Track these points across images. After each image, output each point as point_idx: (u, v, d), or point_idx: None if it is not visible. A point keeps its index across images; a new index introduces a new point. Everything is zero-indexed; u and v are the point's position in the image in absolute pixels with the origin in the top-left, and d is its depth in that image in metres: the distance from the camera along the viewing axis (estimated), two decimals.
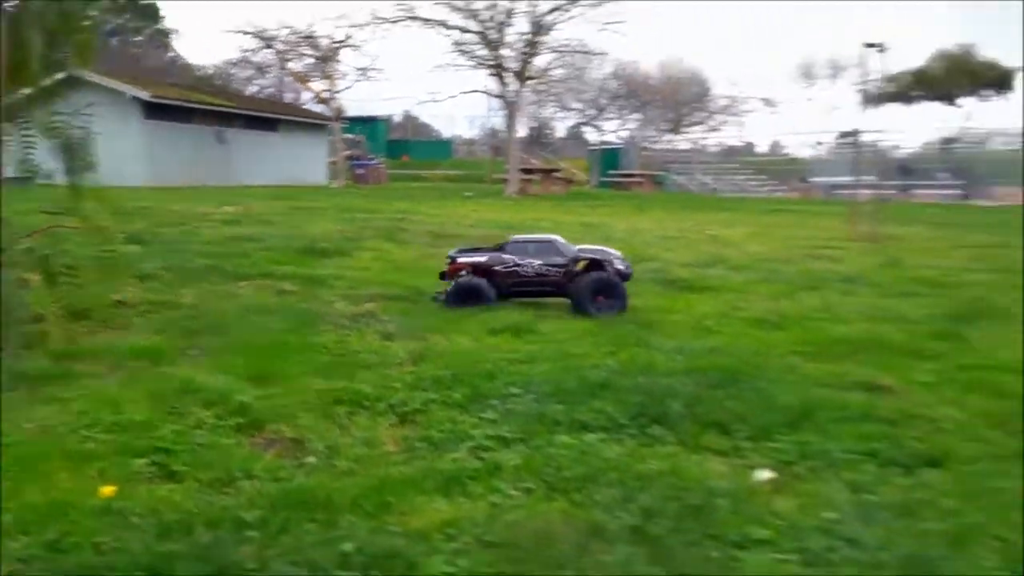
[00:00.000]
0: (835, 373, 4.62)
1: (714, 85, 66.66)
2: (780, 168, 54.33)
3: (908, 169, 45.08)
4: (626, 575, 2.36)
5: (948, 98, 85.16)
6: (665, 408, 3.83)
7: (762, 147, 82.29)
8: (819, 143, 65.14)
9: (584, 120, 66.04)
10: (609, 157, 45.33)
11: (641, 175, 41.17)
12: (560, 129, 68.59)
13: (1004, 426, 3.71)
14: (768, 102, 71.21)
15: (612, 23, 29.82)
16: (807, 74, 70.05)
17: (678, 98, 62.24)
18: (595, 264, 6.77)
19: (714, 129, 67.00)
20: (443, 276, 6.88)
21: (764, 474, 3.21)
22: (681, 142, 60.39)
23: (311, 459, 3.29)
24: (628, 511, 2.77)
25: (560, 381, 4.25)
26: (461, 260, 6.82)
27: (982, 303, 6.93)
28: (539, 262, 6.73)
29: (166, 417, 3.60)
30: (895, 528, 2.69)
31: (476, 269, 6.72)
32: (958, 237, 14.52)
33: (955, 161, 46.61)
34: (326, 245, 9.85)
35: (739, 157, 64.45)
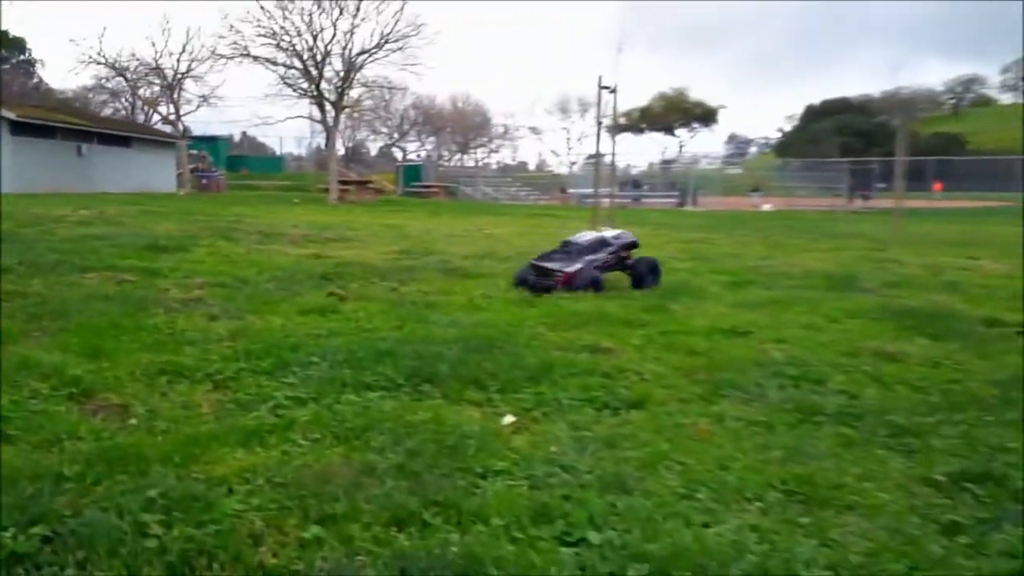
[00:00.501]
0: (570, 339, 4.79)
1: (494, 116, 69.30)
2: (545, 181, 57.37)
3: (638, 183, 47.91)
4: (388, 503, 2.37)
5: (668, 129, 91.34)
6: (435, 369, 3.86)
7: (531, 165, 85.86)
8: (573, 163, 68.24)
9: (391, 141, 67.99)
10: (412, 171, 47.29)
11: (437, 186, 42.92)
12: (372, 148, 70.19)
13: (690, 376, 3.98)
14: (534, 130, 74.33)
15: (411, 64, 32.07)
16: (563, 109, 73.17)
17: (465, 125, 64.66)
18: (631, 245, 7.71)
19: (494, 151, 69.65)
20: (553, 286, 6.79)
21: (508, 419, 3.30)
22: (469, 160, 62.57)
23: (133, 421, 3.11)
24: (396, 453, 2.78)
25: (352, 351, 4.20)
26: (568, 270, 6.95)
27: (683, 283, 7.43)
28: (605, 253, 7.32)
29: (5, 390, 3.33)
30: (602, 456, 2.82)
31: (584, 268, 7.01)
32: (672, 234, 15.49)
33: (672, 177, 49.84)
34: (167, 242, 9.55)
35: (513, 173, 67.49)
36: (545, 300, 6.31)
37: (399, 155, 65.11)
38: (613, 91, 14.37)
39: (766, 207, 38.39)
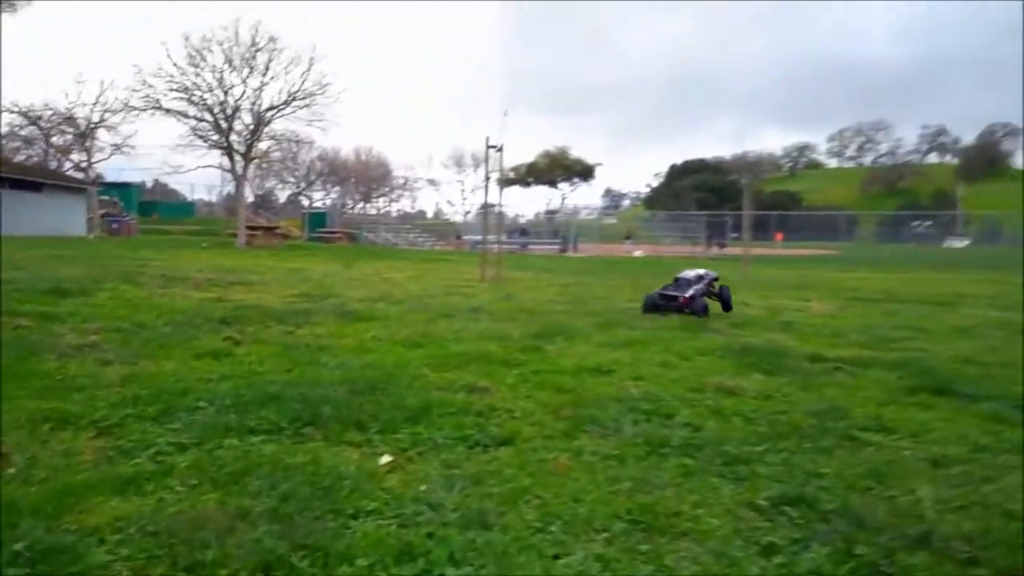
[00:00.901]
0: (450, 380, 4.71)
1: (395, 168, 69.43)
2: (442, 228, 57.67)
3: (525, 231, 48.46)
4: (258, 548, 2.24)
5: (551, 183, 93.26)
6: (319, 412, 3.71)
7: (430, 213, 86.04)
8: (467, 212, 68.70)
9: (298, 190, 66.76)
10: (317, 218, 46.53)
11: (341, 232, 42.10)
12: (281, 196, 68.84)
13: (556, 412, 3.97)
14: (432, 182, 74.65)
15: (317, 120, 31.65)
16: (458, 163, 73.80)
17: (368, 176, 64.47)
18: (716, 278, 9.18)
19: (394, 200, 69.58)
20: (678, 308, 8.47)
21: (384, 459, 3.20)
22: (371, 208, 62.37)
23: (11, 471, 2.84)
24: (271, 497, 2.63)
25: (240, 394, 3.98)
26: (686, 295, 8.54)
27: (559, 325, 7.48)
28: (703, 284, 8.86)
29: None
30: (468, 493, 2.76)
31: (695, 294, 8.59)
32: (552, 278, 15.66)
33: (556, 226, 50.69)
34: (70, 286, 8.82)
35: (413, 220, 67.56)
36: (432, 342, 6.23)
37: (306, 202, 64.23)
38: (499, 150, 14.60)
39: (637, 253, 39.50)
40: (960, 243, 59.27)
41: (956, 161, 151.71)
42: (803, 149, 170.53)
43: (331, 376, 4.61)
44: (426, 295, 10.65)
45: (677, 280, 8.95)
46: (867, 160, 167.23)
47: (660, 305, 8.57)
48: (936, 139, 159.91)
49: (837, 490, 2.86)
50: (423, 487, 2.82)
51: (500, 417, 3.84)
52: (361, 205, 64.59)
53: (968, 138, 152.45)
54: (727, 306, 8.93)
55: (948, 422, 3.96)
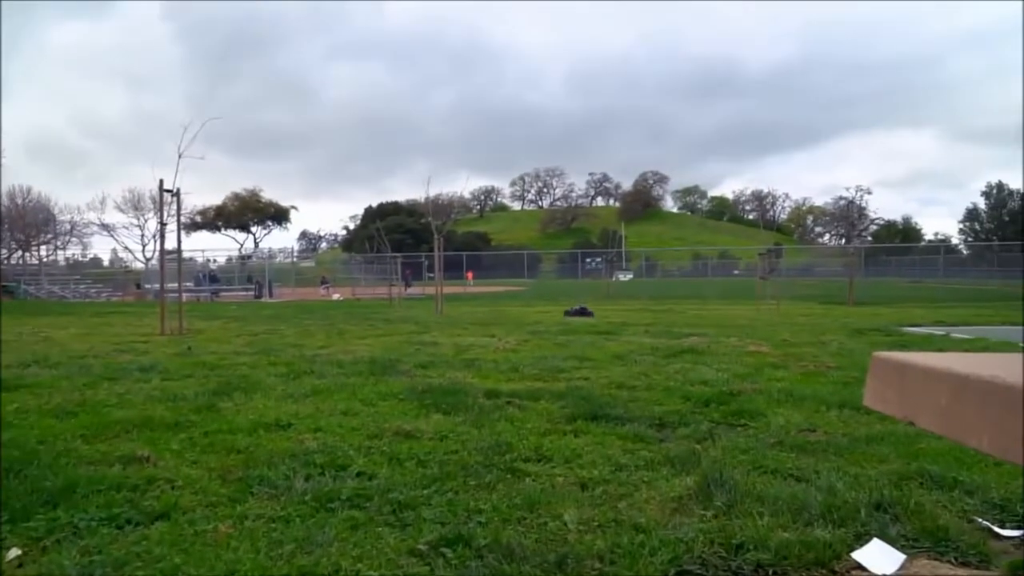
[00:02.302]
0: (104, 452, 4.24)
1: (60, 211, 62.13)
2: (120, 277, 52.72)
3: (215, 277, 45.73)
4: None
5: (244, 227, 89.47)
6: None
7: (106, 261, 78.17)
8: (148, 258, 63.09)
9: None
10: None
11: None
12: None
13: (224, 476, 3.75)
14: (106, 227, 67.46)
15: None
16: (136, 206, 67.65)
17: (25, 221, 56.85)
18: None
19: (60, 247, 62.52)
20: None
21: (12, 553, 2.77)
22: (32, 258, 55.25)
23: None
24: None
25: None
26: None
27: (241, 379, 7.11)
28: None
29: None
30: None
31: None
32: (242, 327, 14.89)
33: (250, 271, 48.58)
34: None
35: (85, 269, 61.01)
36: (90, 409, 5.56)
37: None
38: (175, 194, 13.62)
39: (336, 296, 39.15)
40: (626, 276, 67.32)
41: (618, 204, 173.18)
42: (490, 192, 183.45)
43: None
44: (91, 354, 9.53)
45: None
46: (546, 203, 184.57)
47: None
48: (601, 184, 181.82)
49: (494, 524, 3.03)
50: None
51: (158, 489, 3.52)
52: (19, 254, 56.14)
53: (627, 184, 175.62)
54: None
55: (598, 446, 4.41)
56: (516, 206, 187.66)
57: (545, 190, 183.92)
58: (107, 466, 3.94)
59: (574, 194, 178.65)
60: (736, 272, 76.84)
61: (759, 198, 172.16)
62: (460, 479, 3.66)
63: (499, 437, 4.57)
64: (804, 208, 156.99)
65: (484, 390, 6.35)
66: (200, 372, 7.73)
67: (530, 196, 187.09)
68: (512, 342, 10.92)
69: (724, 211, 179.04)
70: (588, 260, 67.97)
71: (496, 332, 12.97)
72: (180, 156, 13.63)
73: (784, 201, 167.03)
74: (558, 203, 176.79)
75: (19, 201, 59.17)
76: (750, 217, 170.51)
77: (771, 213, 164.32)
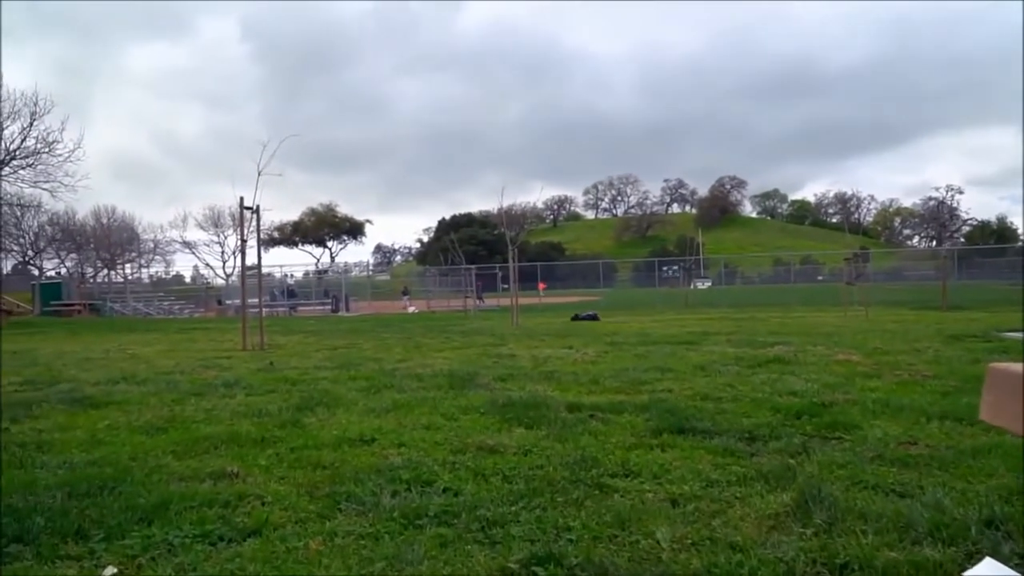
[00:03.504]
0: (195, 468, 4.38)
1: (143, 230, 64.68)
2: (201, 294, 54.44)
3: (293, 292, 46.93)
4: None
5: (320, 242, 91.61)
6: (28, 525, 3.26)
7: (187, 277, 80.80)
8: (229, 274, 65.31)
9: (26, 259, 59.33)
10: (51, 289, 41.65)
11: (79, 304, 37.59)
12: (5, 266, 61.21)
13: (312, 492, 3.82)
14: (187, 244, 69.99)
15: (43, 181, 28.24)
16: (216, 223, 70.13)
17: (111, 240, 59.32)
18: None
19: (144, 265, 64.86)
20: None
21: (108, 571, 2.88)
22: (117, 276, 57.67)
23: None
24: None
25: None
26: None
27: (323, 393, 7.26)
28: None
29: None
30: None
31: None
32: (321, 341, 15.25)
33: (327, 285, 49.69)
34: None
35: (167, 287, 63.20)
36: (179, 425, 5.77)
37: (36, 272, 57.73)
38: (254, 211, 14.07)
39: (412, 309, 39.71)
40: (704, 284, 66.24)
41: (694, 211, 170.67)
42: (563, 202, 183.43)
43: (50, 479, 4.10)
44: (177, 371, 9.91)
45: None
46: (620, 211, 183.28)
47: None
48: (676, 191, 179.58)
49: (584, 542, 2.99)
50: None
51: (249, 505, 3.62)
52: (105, 272, 58.89)
53: (703, 189, 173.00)
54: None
55: (686, 460, 4.32)
56: (590, 215, 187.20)
57: (619, 198, 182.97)
58: (198, 482, 4.07)
59: (649, 201, 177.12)
60: (820, 278, 74.68)
61: (843, 201, 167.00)
62: (547, 495, 3.64)
63: (584, 452, 4.53)
64: (891, 210, 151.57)
65: (565, 403, 6.32)
66: (283, 387, 7.93)
67: (604, 204, 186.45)
68: (591, 353, 10.85)
69: (806, 215, 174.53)
70: (665, 268, 67.23)
71: (574, 343, 12.91)
72: (259, 174, 14.10)
73: (869, 203, 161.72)
74: (633, 211, 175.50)
75: (104, 221, 62.03)
76: (834, 220, 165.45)
77: (856, 216, 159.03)
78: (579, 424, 5.46)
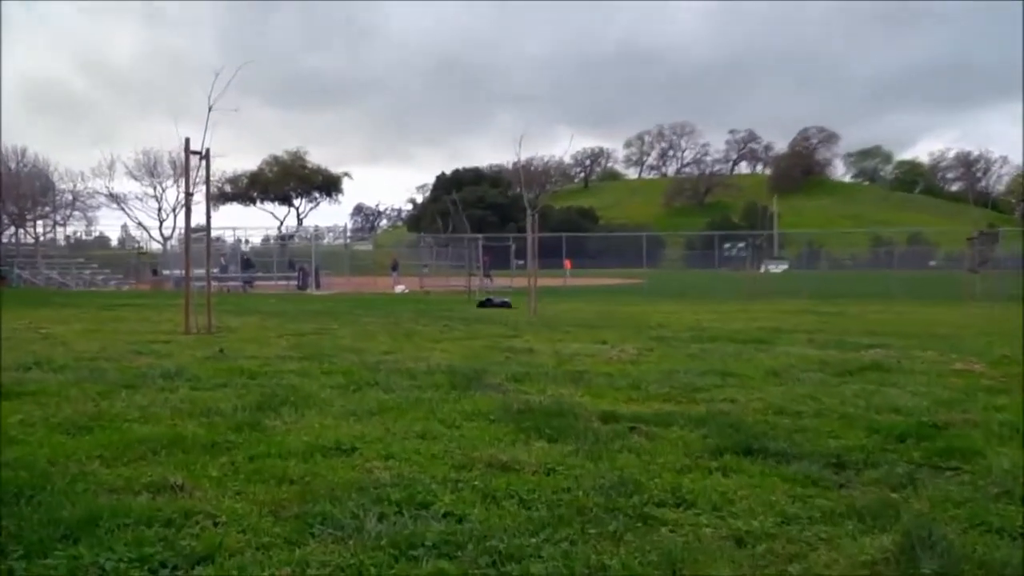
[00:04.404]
0: (130, 477, 4.46)
1: (60, 178, 64.32)
2: (133, 261, 54.28)
3: (250, 262, 47.15)
4: None
5: (284, 199, 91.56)
6: None
7: (114, 240, 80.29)
8: (167, 238, 65.61)
9: None
10: None
11: None
12: None
13: (277, 512, 3.87)
14: (115, 197, 69.96)
15: None
16: (152, 171, 70.23)
17: (19, 191, 58.93)
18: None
19: (60, 223, 64.45)
20: None
21: None
22: (26, 236, 57.18)
23: None
24: None
25: None
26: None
27: (290, 390, 7.33)
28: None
29: None
30: None
31: None
32: (285, 325, 15.37)
33: (292, 254, 49.83)
34: None
35: (89, 251, 62.83)
36: (108, 424, 5.86)
37: None
38: (203, 156, 14.12)
39: (400, 288, 39.85)
40: (779, 267, 66.07)
41: (768, 172, 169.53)
42: (598, 156, 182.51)
43: None
44: (103, 356, 10.04)
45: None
46: (671, 169, 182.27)
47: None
48: (745, 145, 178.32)
49: None
50: None
51: (198, 525, 3.68)
52: (11, 232, 59.17)
53: (781, 145, 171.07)
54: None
55: (755, 489, 4.35)
56: (632, 174, 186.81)
57: (671, 153, 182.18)
58: (133, 494, 4.14)
59: (709, 158, 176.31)
60: (933, 263, 74.30)
61: (966, 163, 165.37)
62: (576, 526, 3.68)
63: (623, 473, 4.57)
64: None
65: (599, 412, 6.36)
66: (237, 380, 8.02)
67: (650, 161, 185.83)
68: (631, 351, 10.90)
69: (916, 180, 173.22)
70: (728, 245, 67.17)
71: (608, 337, 12.97)
72: (210, 109, 14.10)
73: (1001, 167, 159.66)
74: (687, 170, 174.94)
75: (12, 166, 61.84)
76: (953, 188, 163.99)
77: (983, 183, 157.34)
78: (616, 439, 5.50)
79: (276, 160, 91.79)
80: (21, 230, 57.43)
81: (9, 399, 6.90)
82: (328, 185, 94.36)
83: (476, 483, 4.37)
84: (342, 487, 4.25)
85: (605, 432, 5.66)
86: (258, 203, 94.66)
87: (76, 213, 65.98)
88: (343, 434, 5.53)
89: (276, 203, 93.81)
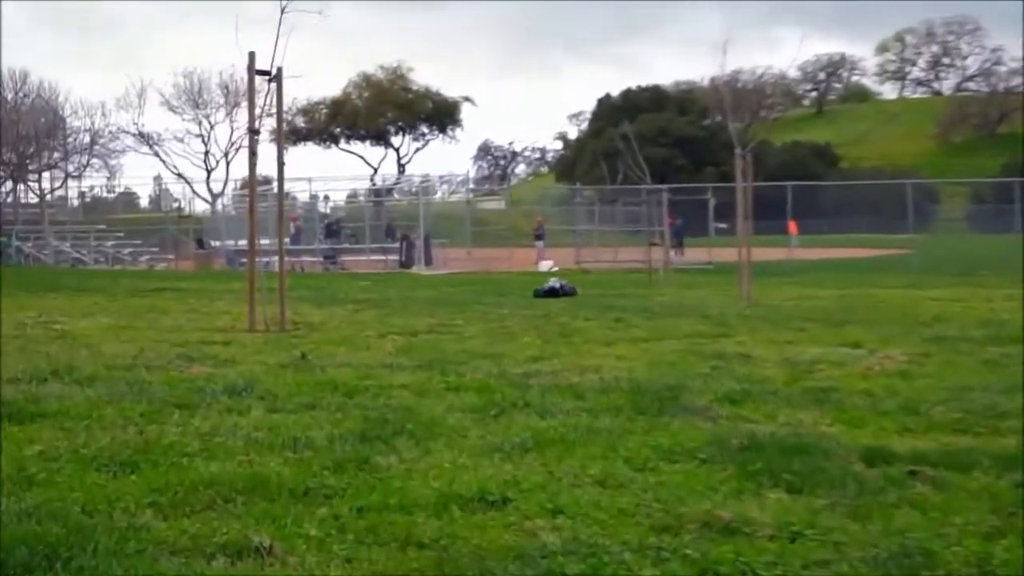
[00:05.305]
0: (196, 534, 4.59)
1: (74, 113, 63.74)
2: (171, 228, 53.74)
3: (335, 229, 47.35)
4: None
5: (379, 138, 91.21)
6: None
7: (144, 200, 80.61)
8: (217, 195, 66.70)
9: None
10: None
11: None
12: None
13: None
14: (145, 137, 70.57)
15: None
16: (195, 103, 70.97)
17: (19, 130, 58.99)
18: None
19: (73, 175, 64.10)
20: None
21: None
22: (28, 194, 57.89)
23: None
24: None
25: None
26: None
27: (405, 412, 7.44)
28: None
29: None
30: None
31: None
32: (387, 320, 15.62)
33: (391, 217, 49.85)
34: None
35: (111, 214, 62.89)
36: (158, 458, 6.07)
37: None
38: (274, 78, 14.33)
39: (548, 265, 39.92)
40: None
41: None
42: (837, 68, 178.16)
43: None
44: (143, 362, 10.42)
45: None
46: (946, 85, 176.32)
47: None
48: None
49: None
50: None
51: None
52: (8, 187, 60.79)
53: None
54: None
55: None
56: (888, 92, 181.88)
57: (946, 60, 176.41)
58: (205, 558, 4.26)
59: (1003, 68, 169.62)
60: None
61: None
62: None
63: (904, 539, 4.47)
64: None
65: (860, 449, 6.26)
66: (329, 399, 8.19)
67: (915, 73, 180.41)
68: (898, 358, 10.68)
69: None
70: None
71: (862, 338, 12.74)
72: (283, 11, 14.27)
73: None
74: (971, 86, 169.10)
75: (10, 95, 62.18)
76: None
77: None
78: (890, 488, 5.40)
79: (367, 80, 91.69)
80: (21, 185, 58.57)
81: (21, 422, 7.21)
82: (441, 115, 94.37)
83: (688, 552, 4.33)
84: (494, 555, 4.27)
85: (872, 478, 5.56)
86: (342, 143, 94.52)
87: (95, 161, 66.29)
88: (488, 478, 5.56)
89: (368, 143, 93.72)
